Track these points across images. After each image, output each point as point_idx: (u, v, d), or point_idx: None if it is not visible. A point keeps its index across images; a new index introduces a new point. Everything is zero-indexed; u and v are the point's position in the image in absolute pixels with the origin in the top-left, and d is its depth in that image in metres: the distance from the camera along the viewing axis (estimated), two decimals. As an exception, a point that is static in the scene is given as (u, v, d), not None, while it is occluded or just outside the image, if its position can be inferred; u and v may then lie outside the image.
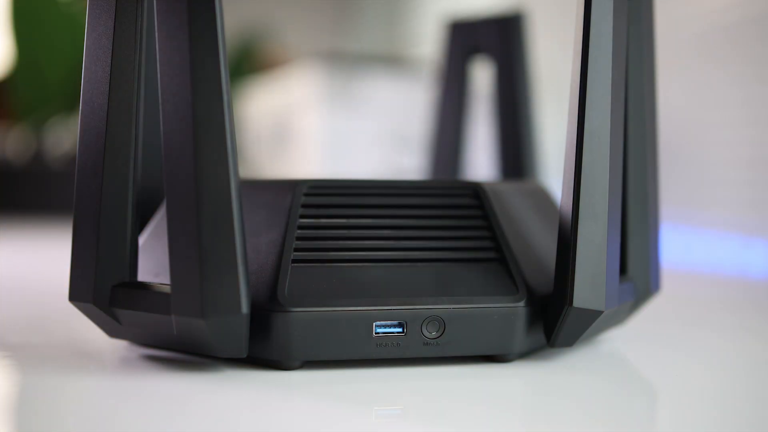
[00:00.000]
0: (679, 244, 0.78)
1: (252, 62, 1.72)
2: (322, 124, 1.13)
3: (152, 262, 0.36)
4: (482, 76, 0.67)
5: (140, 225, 0.37)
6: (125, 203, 0.33)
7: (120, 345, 0.37)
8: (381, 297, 0.32)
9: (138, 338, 0.35)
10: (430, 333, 0.33)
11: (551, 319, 0.34)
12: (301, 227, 0.34)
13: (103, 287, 0.32)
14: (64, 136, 1.38)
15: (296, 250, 0.33)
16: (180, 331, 0.31)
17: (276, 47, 1.88)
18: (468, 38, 0.60)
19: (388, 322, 0.32)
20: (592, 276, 0.32)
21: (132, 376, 0.32)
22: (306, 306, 0.31)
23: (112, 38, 0.33)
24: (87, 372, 0.33)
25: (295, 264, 0.33)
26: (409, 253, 0.34)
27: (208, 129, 0.30)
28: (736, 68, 0.73)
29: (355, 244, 0.34)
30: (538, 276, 0.35)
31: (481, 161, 0.94)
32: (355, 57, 1.53)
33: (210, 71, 0.30)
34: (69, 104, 1.35)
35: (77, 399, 0.30)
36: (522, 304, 0.33)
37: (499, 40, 0.58)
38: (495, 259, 0.35)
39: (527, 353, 0.36)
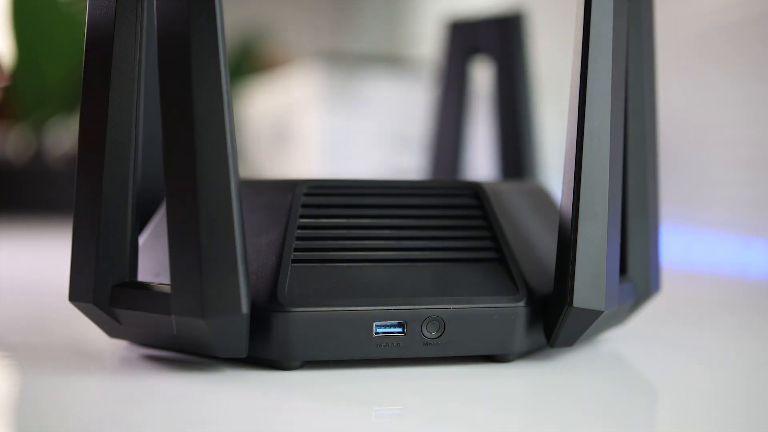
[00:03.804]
0: (679, 244, 0.78)
1: (252, 62, 1.72)
2: (322, 124, 1.13)
3: (152, 262, 0.36)
4: (482, 76, 0.67)
5: (140, 225, 0.37)
6: (125, 203, 0.33)
7: (120, 345, 0.37)
8: (381, 297, 0.32)
9: (138, 338, 0.35)
10: (430, 333, 0.33)
11: (551, 319, 0.34)
12: (301, 227, 0.34)
13: (103, 287, 0.32)
14: (64, 136, 1.38)
15: (296, 250, 0.33)
16: (180, 331, 0.31)
17: (276, 47, 1.88)
18: (468, 38, 0.60)
19: (388, 322, 0.32)
20: (592, 276, 0.32)
21: (132, 376, 0.32)
22: (306, 306, 0.31)
23: (112, 38, 0.33)
24: (87, 372, 0.33)
25: (295, 264, 0.33)
26: (409, 253, 0.34)
27: (208, 129, 0.30)
28: (736, 68, 0.73)
29: (355, 244, 0.34)
30: (538, 276, 0.35)
31: (481, 161, 0.94)
32: (355, 57, 1.53)
33: (210, 71, 0.30)
34: (69, 104, 1.35)
35: (77, 399, 0.30)
36: (522, 304, 0.33)
37: (499, 40, 0.58)
38: (495, 259, 0.35)
39: (527, 353, 0.36)
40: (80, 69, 0.34)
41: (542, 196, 0.43)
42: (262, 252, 0.33)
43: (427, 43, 1.54)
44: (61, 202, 1.08)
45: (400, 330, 0.33)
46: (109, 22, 0.33)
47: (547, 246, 0.37)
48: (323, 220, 0.35)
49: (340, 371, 0.33)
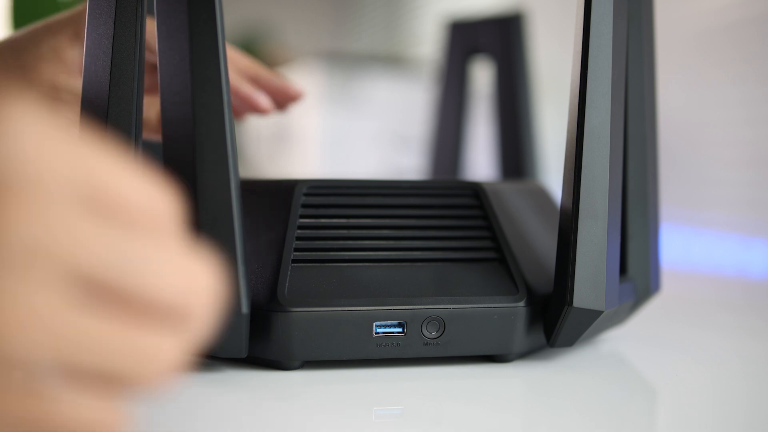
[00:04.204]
0: (679, 244, 0.78)
1: (252, 62, 1.72)
2: (322, 123, 1.13)
3: (152, 262, 0.36)
4: (482, 76, 0.67)
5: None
6: (125, 203, 0.33)
7: (120, 345, 0.37)
8: (381, 297, 0.32)
9: (138, 338, 0.35)
10: (430, 333, 0.33)
11: (551, 319, 0.34)
12: (301, 227, 0.34)
13: (103, 287, 0.32)
14: (64, 136, 1.37)
15: (296, 250, 0.33)
16: (180, 331, 0.31)
17: (276, 47, 1.88)
18: (468, 38, 0.60)
19: (388, 322, 0.32)
20: (592, 276, 0.32)
21: (132, 376, 0.32)
22: (306, 306, 0.31)
23: (112, 38, 0.33)
24: (87, 372, 0.33)
25: (295, 264, 0.33)
26: (409, 253, 0.34)
27: (208, 129, 0.30)
28: (736, 68, 0.73)
29: (355, 244, 0.34)
30: (538, 276, 0.35)
31: (481, 161, 0.95)
32: (355, 57, 1.53)
33: (210, 71, 0.30)
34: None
35: (77, 399, 0.30)
36: (522, 304, 0.33)
37: (499, 40, 0.58)
38: (495, 259, 0.35)
39: (527, 353, 0.36)
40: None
41: (542, 196, 0.43)
42: (262, 252, 0.33)
43: (427, 43, 1.54)
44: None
45: (400, 330, 0.33)
46: (109, 22, 0.33)
47: (547, 246, 0.37)
48: (323, 220, 0.35)
49: (340, 371, 0.33)
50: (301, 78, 1.20)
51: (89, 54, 0.33)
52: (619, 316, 0.37)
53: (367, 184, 0.36)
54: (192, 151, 0.30)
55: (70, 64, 0.39)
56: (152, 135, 0.43)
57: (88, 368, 0.15)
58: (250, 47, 1.73)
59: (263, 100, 0.44)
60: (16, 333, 0.14)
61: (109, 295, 0.15)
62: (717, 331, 0.47)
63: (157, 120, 0.40)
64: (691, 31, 0.78)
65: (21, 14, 1.37)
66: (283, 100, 0.45)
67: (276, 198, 0.35)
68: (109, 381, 0.16)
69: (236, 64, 0.44)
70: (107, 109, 0.33)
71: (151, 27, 0.38)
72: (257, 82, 0.44)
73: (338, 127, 1.13)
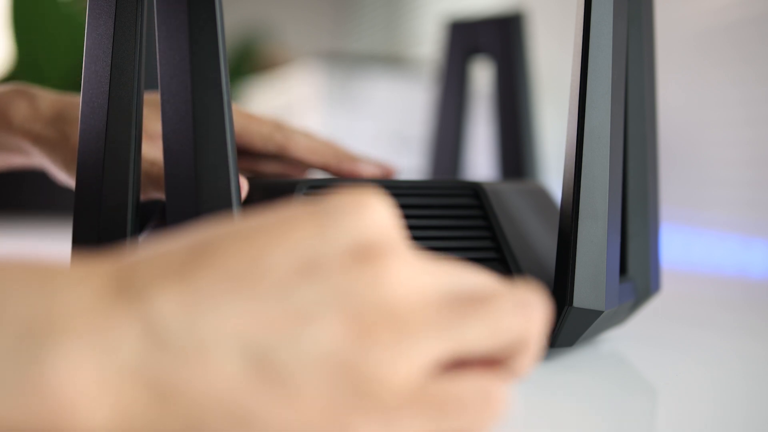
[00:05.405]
0: (679, 244, 0.78)
1: (252, 62, 1.72)
2: (322, 123, 1.13)
3: (152, 262, 0.36)
4: (482, 76, 0.67)
5: (140, 225, 0.37)
6: (125, 203, 0.33)
7: (120, 345, 0.37)
8: (381, 297, 0.32)
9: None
10: (430, 333, 0.33)
11: (551, 319, 0.34)
12: (301, 227, 0.34)
13: (103, 287, 0.32)
14: (64, 136, 1.37)
15: (296, 250, 0.33)
16: (180, 331, 0.31)
17: (276, 47, 1.88)
18: (468, 38, 0.60)
19: (388, 322, 0.32)
20: (592, 276, 0.32)
21: (132, 376, 0.32)
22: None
23: (112, 38, 0.33)
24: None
25: (295, 264, 0.33)
26: (409, 253, 0.34)
27: (208, 129, 0.30)
28: (736, 68, 0.73)
29: (355, 244, 0.34)
30: (538, 276, 0.35)
31: (481, 161, 0.95)
32: (355, 57, 1.53)
33: (210, 71, 0.30)
34: (69, 104, 1.35)
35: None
36: (522, 304, 0.33)
37: (499, 40, 0.58)
38: (495, 259, 0.35)
39: (527, 353, 0.36)
40: (80, 69, 0.34)
41: (542, 196, 0.43)
42: (262, 252, 0.33)
43: (427, 43, 1.54)
44: (61, 202, 1.08)
45: (400, 330, 0.32)
46: (109, 22, 0.33)
47: (547, 246, 0.37)
48: (323, 220, 0.34)
49: (340, 371, 0.33)
50: (301, 78, 1.20)
51: (89, 54, 0.33)
52: (619, 316, 0.37)
53: (367, 184, 0.36)
54: (192, 151, 0.30)
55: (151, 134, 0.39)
56: (153, 190, 0.38)
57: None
58: (250, 47, 1.73)
59: (365, 166, 0.47)
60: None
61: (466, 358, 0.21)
62: (717, 331, 0.47)
63: (159, 172, 0.38)
64: (691, 31, 0.78)
65: (21, 14, 1.37)
66: (381, 173, 0.48)
67: (276, 198, 0.35)
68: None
69: (336, 151, 0.47)
70: (107, 109, 0.33)
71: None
72: (357, 160, 0.47)
73: (338, 127, 1.13)
